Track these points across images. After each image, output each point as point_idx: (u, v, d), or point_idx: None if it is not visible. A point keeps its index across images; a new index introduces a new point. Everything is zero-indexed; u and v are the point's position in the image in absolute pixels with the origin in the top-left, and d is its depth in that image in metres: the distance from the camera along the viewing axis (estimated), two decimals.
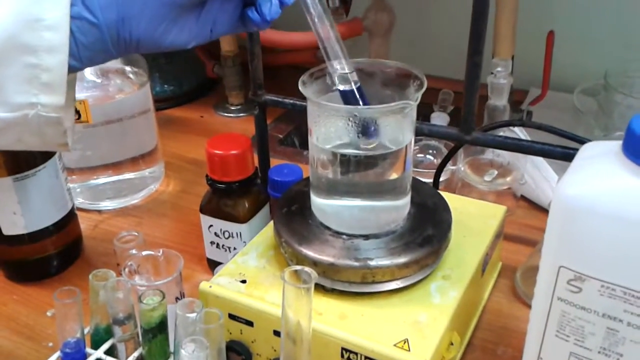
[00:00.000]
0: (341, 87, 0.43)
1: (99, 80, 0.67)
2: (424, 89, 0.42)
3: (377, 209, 0.46)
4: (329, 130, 0.45)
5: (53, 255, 0.59)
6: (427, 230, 0.46)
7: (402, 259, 0.44)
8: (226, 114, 0.92)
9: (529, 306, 0.56)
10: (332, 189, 0.46)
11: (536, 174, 0.67)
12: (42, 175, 0.55)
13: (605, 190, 0.33)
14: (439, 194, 0.51)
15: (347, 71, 0.43)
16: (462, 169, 0.67)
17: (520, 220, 0.66)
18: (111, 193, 0.70)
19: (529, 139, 0.58)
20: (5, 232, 0.56)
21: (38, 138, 0.41)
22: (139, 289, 0.45)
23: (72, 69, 0.39)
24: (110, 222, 0.68)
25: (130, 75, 0.69)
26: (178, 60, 0.95)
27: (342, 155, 0.44)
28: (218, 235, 0.57)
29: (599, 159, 0.35)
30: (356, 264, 0.44)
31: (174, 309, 0.41)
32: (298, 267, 0.32)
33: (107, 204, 0.70)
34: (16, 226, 0.56)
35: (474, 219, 0.53)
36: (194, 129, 0.88)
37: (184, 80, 0.95)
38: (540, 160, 0.66)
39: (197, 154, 0.81)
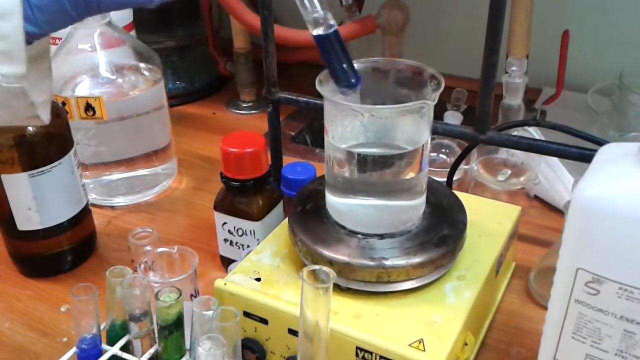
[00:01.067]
0: (314, 32, 0.42)
1: (113, 77, 0.67)
2: (441, 89, 0.42)
3: (392, 209, 0.46)
4: (345, 129, 0.45)
5: (67, 251, 0.60)
6: (443, 230, 0.46)
7: (417, 259, 0.44)
8: (238, 111, 0.92)
9: (543, 307, 0.57)
10: (347, 188, 0.46)
11: (550, 174, 0.66)
12: (58, 171, 0.56)
13: (624, 192, 0.32)
14: (453, 193, 0.51)
15: (319, 12, 0.41)
16: (475, 168, 0.67)
17: (534, 221, 0.65)
18: (124, 189, 0.71)
19: (543, 138, 0.58)
20: (20, 227, 0.56)
21: (6, 111, 0.40)
22: (154, 286, 0.46)
23: (32, 36, 0.37)
24: (124, 219, 0.68)
25: (145, 72, 0.69)
26: (190, 57, 0.95)
27: (358, 154, 0.44)
28: (231, 233, 0.57)
29: (617, 161, 0.34)
30: (371, 263, 0.43)
31: (189, 306, 0.42)
32: (316, 267, 0.32)
33: (120, 200, 0.71)
34: (31, 222, 0.56)
35: (488, 219, 0.53)
36: (206, 125, 0.88)
37: (196, 77, 0.95)
38: (554, 160, 0.66)
39: (209, 151, 0.81)
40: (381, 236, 0.46)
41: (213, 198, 0.71)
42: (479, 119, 0.55)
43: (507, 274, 0.57)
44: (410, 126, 0.43)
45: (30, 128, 0.54)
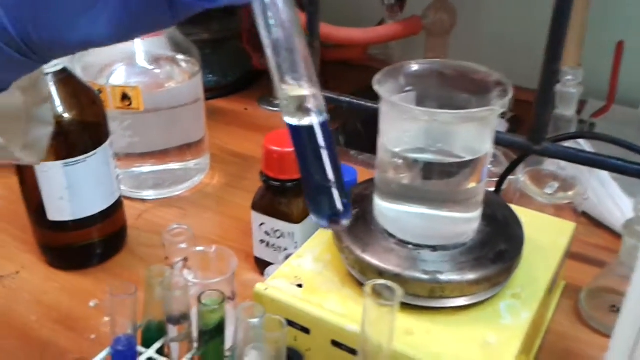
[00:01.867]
0: (290, 120, 0.27)
1: (150, 67, 0.65)
2: (509, 96, 0.39)
3: (447, 220, 0.44)
4: (401, 133, 0.43)
5: (97, 244, 0.58)
6: (499, 245, 0.44)
7: (472, 275, 0.41)
8: (270, 108, 0.90)
9: (594, 329, 0.54)
10: (399, 195, 0.44)
11: (600, 190, 0.63)
12: (93, 162, 0.54)
13: None
14: (508, 206, 0.48)
15: (306, 92, 0.27)
16: (522, 179, 0.64)
17: (582, 238, 0.63)
18: (154, 182, 0.69)
19: (593, 151, 0.55)
20: (51, 217, 0.54)
21: None
22: (190, 286, 0.43)
23: None
24: (154, 213, 0.66)
25: (182, 64, 0.67)
26: (224, 51, 0.93)
27: (414, 160, 0.42)
28: (269, 234, 0.55)
29: None
30: (425, 276, 0.41)
31: (230, 311, 0.39)
32: (381, 282, 0.30)
33: (150, 194, 0.69)
34: (62, 212, 0.54)
35: (542, 235, 0.50)
36: (238, 121, 0.86)
37: (229, 71, 0.93)
38: (605, 175, 0.63)
39: (241, 148, 0.79)
40: (434, 248, 0.43)
41: (245, 196, 0.69)
42: (534, 128, 0.52)
43: (557, 293, 0.54)
44: (471, 134, 0.41)
45: (66, 115, 0.52)
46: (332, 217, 0.28)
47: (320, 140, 0.27)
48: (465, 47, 0.88)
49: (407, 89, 0.43)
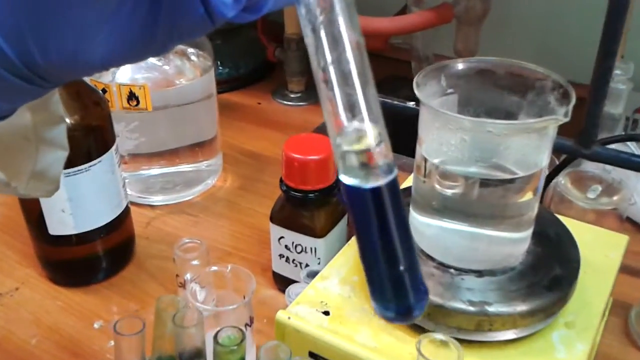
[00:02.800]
0: (348, 180, 0.21)
1: (158, 63, 0.60)
2: (572, 102, 0.34)
3: (495, 240, 0.39)
4: (443, 141, 0.37)
5: (102, 257, 0.53)
6: (554, 269, 0.39)
7: (525, 306, 0.36)
8: (285, 102, 0.85)
9: None
10: (441, 210, 0.39)
11: None
12: (97, 171, 0.49)
13: None
14: (560, 221, 0.43)
15: (370, 140, 0.20)
16: (563, 182, 0.59)
17: (630, 247, 0.57)
18: (162, 186, 0.64)
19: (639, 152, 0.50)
20: (52, 231, 0.50)
21: None
22: (204, 312, 0.39)
23: None
24: (164, 220, 0.62)
25: (193, 58, 0.62)
26: (236, 41, 0.88)
27: (457, 173, 0.37)
28: (289, 249, 0.50)
29: None
30: (471, 308, 0.36)
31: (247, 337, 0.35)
32: (438, 336, 0.25)
33: (159, 199, 0.64)
34: (64, 226, 0.50)
35: (593, 251, 0.45)
36: (251, 116, 0.81)
37: (241, 63, 0.88)
38: None
39: (255, 146, 0.74)
40: (479, 273, 0.38)
41: (261, 201, 0.64)
42: (584, 131, 0.47)
43: (605, 312, 0.49)
44: (527, 146, 0.36)
45: (67, 120, 0.47)
46: (401, 311, 0.21)
47: (388, 208, 0.20)
48: (498, 37, 0.82)
49: (449, 91, 0.38)
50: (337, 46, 0.20)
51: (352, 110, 0.20)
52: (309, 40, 0.20)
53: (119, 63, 0.23)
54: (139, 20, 0.22)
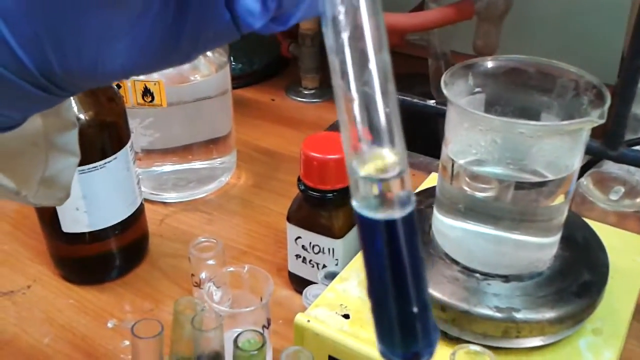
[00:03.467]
0: (361, 210, 0.19)
1: None
2: (608, 103, 0.33)
3: (521, 245, 0.37)
4: (470, 142, 0.36)
5: (116, 255, 0.52)
6: (582, 275, 0.38)
7: (554, 313, 0.35)
8: (299, 99, 0.84)
9: None
10: (467, 213, 0.37)
11: None
12: (112, 168, 0.48)
13: None
14: (588, 225, 0.42)
15: (391, 171, 0.18)
16: (585, 183, 0.58)
17: None
18: (175, 183, 0.63)
19: None
20: (66, 229, 0.49)
21: None
22: (221, 313, 0.38)
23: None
24: (178, 218, 0.61)
25: (208, 54, 0.61)
26: (250, 36, 0.86)
27: (483, 175, 0.36)
28: (306, 249, 0.49)
29: None
30: (498, 315, 0.35)
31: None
32: (474, 347, 0.24)
33: (172, 196, 0.63)
34: (78, 223, 0.49)
35: (619, 256, 0.44)
36: (265, 113, 0.80)
37: (255, 58, 0.87)
38: None
39: (269, 143, 0.73)
40: (505, 278, 0.37)
41: (275, 199, 0.63)
42: (611, 132, 0.46)
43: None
44: (558, 149, 0.35)
45: (81, 116, 0.46)
46: (409, 357, 0.19)
47: (403, 243, 0.18)
48: (518, 35, 0.81)
49: (476, 90, 0.37)
50: (362, 67, 0.18)
51: (373, 133, 0.18)
52: (332, 56, 0.19)
53: (140, 72, 0.22)
54: (164, 29, 0.21)
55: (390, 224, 0.18)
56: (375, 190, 0.18)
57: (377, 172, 0.18)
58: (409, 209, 0.18)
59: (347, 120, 0.18)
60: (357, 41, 0.18)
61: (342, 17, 0.18)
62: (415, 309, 0.18)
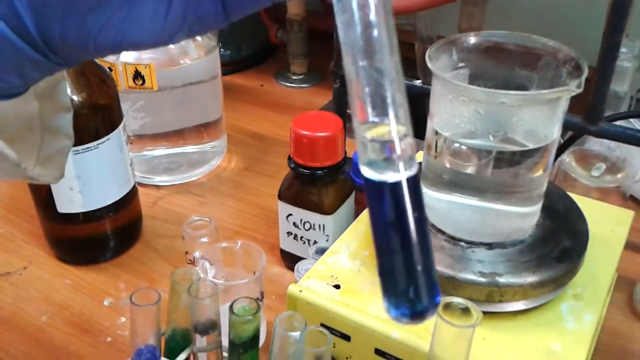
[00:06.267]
0: (369, 173, 0.20)
1: None
2: (585, 74, 0.34)
3: (505, 214, 0.39)
4: (455, 115, 0.38)
5: (111, 236, 0.53)
6: (563, 241, 0.39)
7: (535, 277, 0.37)
8: (288, 84, 0.85)
9: None
10: (451, 185, 0.39)
11: None
12: (105, 149, 0.49)
13: None
14: (568, 196, 0.44)
15: (394, 134, 0.20)
16: (567, 160, 0.59)
17: (634, 224, 0.58)
18: (167, 167, 0.64)
19: None
20: (61, 209, 0.50)
21: None
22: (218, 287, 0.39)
23: None
24: (170, 200, 0.62)
25: (197, 38, 0.62)
26: (238, 22, 0.87)
27: (466, 146, 0.37)
28: (297, 226, 0.50)
29: None
30: (482, 279, 0.37)
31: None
32: (457, 299, 0.25)
33: (164, 179, 0.64)
34: (73, 204, 0.50)
35: (599, 226, 0.45)
36: (254, 98, 0.81)
37: (243, 45, 0.88)
38: None
39: (259, 127, 0.74)
40: (489, 246, 0.39)
41: (266, 181, 0.64)
42: (591, 107, 0.47)
43: (611, 287, 0.50)
44: (538, 118, 0.36)
45: (75, 97, 0.47)
46: (415, 312, 0.20)
47: (407, 204, 0.19)
48: (501, 17, 0.82)
49: (460, 65, 0.38)
50: (372, 47, 0.20)
51: (381, 104, 0.20)
52: (342, 33, 0.20)
53: (127, 48, 0.24)
54: (154, 7, 0.23)
55: (395, 185, 0.19)
56: (382, 153, 0.19)
57: (383, 135, 0.19)
58: (413, 171, 0.19)
59: (355, 93, 0.20)
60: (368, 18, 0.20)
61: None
62: (417, 267, 0.19)
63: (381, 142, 0.19)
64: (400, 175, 0.19)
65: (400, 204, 0.19)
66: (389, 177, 0.19)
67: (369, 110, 0.20)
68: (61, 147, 0.35)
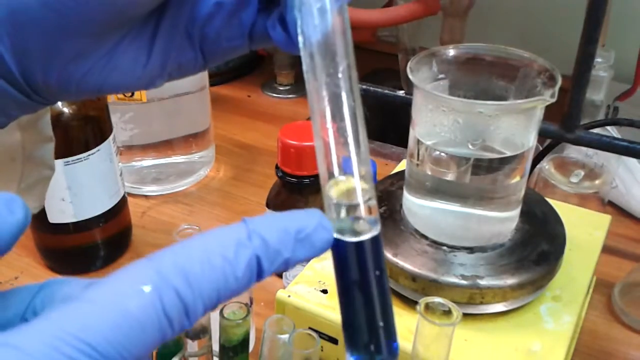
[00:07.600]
0: (336, 234, 0.20)
1: None
2: (558, 84, 0.36)
3: (485, 219, 0.40)
4: (435, 124, 0.39)
5: (101, 246, 0.54)
6: (541, 245, 0.41)
7: (515, 279, 0.38)
8: (274, 95, 0.86)
9: (628, 327, 0.51)
10: (433, 191, 0.40)
11: (628, 178, 0.60)
12: (95, 160, 0.50)
13: None
14: (546, 201, 0.45)
15: (361, 198, 0.20)
16: (547, 167, 0.61)
17: (611, 229, 0.60)
18: (155, 177, 0.65)
19: (619, 137, 0.52)
20: (52, 219, 0.51)
21: None
22: None
23: None
24: (159, 210, 0.63)
25: None
26: None
27: (447, 154, 0.39)
28: None
29: None
30: (464, 282, 0.38)
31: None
32: (438, 300, 0.26)
33: (153, 189, 0.65)
34: (64, 214, 0.51)
35: (577, 230, 0.47)
36: (241, 109, 0.82)
37: None
38: (634, 163, 0.60)
39: (246, 137, 0.75)
40: (470, 250, 0.40)
41: (254, 190, 0.65)
42: (568, 115, 0.49)
43: (590, 289, 0.51)
44: (515, 127, 0.38)
45: (66, 109, 0.48)
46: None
47: (369, 263, 0.20)
48: (482, 29, 0.84)
49: (440, 76, 0.40)
50: (337, 106, 0.21)
51: (345, 166, 0.20)
52: (309, 85, 0.21)
53: (109, 92, 0.25)
54: (135, 57, 0.24)
55: (359, 245, 0.20)
56: (347, 214, 0.20)
57: (349, 196, 0.20)
58: (375, 231, 0.20)
59: (322, 155, 0.21)
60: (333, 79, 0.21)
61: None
62: (378, 322, 0.20)
63: (347, 206, 0.20)
64: (364, 236, 0.20)
65: (363, 264, 0.20)
66: (354, 237, 0.20)
67: (335, 169, 0.20)
68: (42, 178, 0.35)
